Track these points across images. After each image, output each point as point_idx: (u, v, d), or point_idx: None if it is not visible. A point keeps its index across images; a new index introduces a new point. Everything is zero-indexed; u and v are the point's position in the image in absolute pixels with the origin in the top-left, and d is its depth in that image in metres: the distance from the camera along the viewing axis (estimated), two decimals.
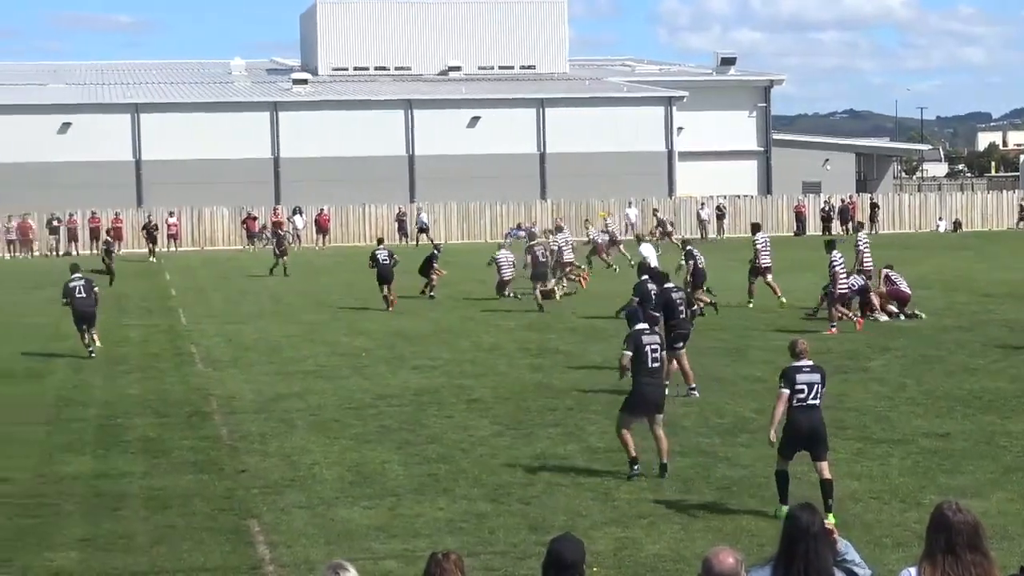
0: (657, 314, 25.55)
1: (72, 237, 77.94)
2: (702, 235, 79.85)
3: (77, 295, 33.49)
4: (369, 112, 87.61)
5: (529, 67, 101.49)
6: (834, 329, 34.89)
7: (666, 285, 27.30)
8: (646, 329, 20.05)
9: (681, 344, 26.02)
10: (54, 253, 76.85)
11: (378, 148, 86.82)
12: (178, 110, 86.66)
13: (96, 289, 34.31)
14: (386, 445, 21.94)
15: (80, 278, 33.97)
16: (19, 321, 42.00)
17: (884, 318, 37.26)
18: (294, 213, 79.85)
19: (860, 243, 40.31)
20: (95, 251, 75.87)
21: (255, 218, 78.89)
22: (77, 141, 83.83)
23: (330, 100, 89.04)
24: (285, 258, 56.71)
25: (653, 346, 19.66)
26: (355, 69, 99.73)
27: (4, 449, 22.46)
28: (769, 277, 41.20)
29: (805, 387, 17.17)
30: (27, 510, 18.39)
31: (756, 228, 43.54)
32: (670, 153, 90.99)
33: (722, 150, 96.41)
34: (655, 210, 78.11)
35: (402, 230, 79.84)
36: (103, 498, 19.00)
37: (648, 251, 42.73)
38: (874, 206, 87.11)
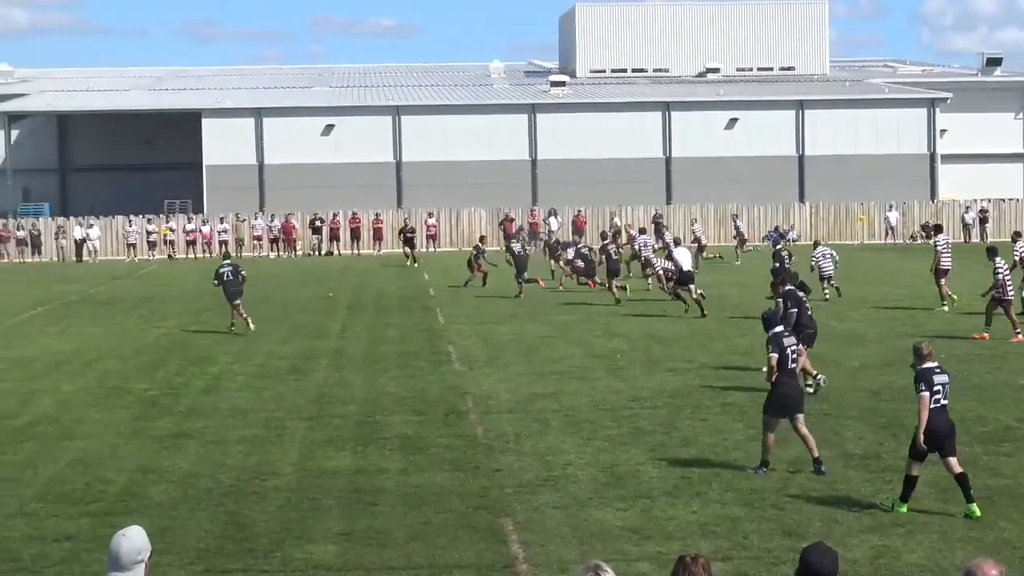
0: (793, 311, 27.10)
1: (333, 237, 79.65)
2: (965, 239, 78.05)
3: (226, 279, 38.88)
4: (626, 114, 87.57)
5: (788, 68, 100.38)
6: (1020, 336, 34.31)
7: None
8: (785, 332, 20.78)
9: (811, 344, 27.48)
10: (316, 252, 78.63)
11: (635, 150, 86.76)
12: (438, 112, 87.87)
13: (243, 273, 39.67)
14: (640, 447, 21.93)
15: (229, 264, 39.66)
16: (284, 319, 43.08)
17: None
18: (550, 215, 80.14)
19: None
20: (355, 251, 77.56)
21: (512, 219, 79.47)
22: (340, 143, 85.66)
23: (588, 102, 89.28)
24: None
25: (793, 348, 20.42)
26: (613, 71, 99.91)
27: (272, 443, 23.07)
28: (943, 280, 41.13)
29: (940, 388, 17.58)
30: (290, 504, 18.84)
31: (938, 230, 44.13)
32: (932, 156, 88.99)
33: (986, 153, 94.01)
34: (734, 215, 75.52)
35: (657, 232, 79.51)
36: (361, 494, 19.36)
37: (683, 255, 43.88)
38: None
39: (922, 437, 17.51)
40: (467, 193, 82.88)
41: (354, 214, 79.86)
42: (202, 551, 16.58)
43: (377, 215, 79.65)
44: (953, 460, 17.60)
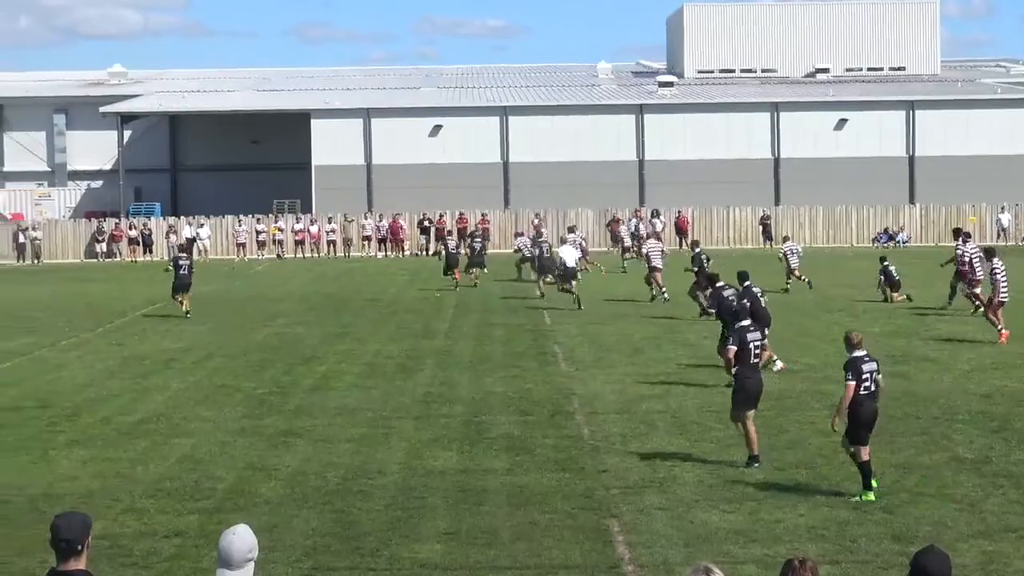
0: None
1: (440, 237, 79.88)
2: None
3: (180, 272, 44.34)
4: (734, 115, 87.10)
5: (899, 68, 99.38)
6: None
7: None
8: (750, 326, 21.58)
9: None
10: (423, 252, 78.91)
11: (742, 151, 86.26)
12: (545, 113, 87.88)
13: (193, 270, 45.59)
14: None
15: (186, 258, 46.12)
16: (392, 318, 43.34)
17: None
18: (653, 216, 79.87)
19: None
20: (464, 250, 77.72)
21: (619, 220, 79.31)
22: (447, 143, 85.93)
23: (695, 103, 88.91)
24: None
25: (756, 342, 21.28)
26: (720, 72, 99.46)
27: (380, 442, 23.20)
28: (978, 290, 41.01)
29: (868, 376, 18.57)
30: (396, 502, 18.92)
31: (956, 234, 44.27)
32: None
33: None
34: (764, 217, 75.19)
35: (766, 233, 79.19)
36: (467, 493, 19.41)
37: (568, 252, 47.38)
38: None
39: (836, 421, 18.73)
40: (574, 194, 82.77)
41: (461, 214, 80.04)
42: (309, 549, 16.70)
43: (484, 215, 79.76)
44: (864, 449, 18.55)
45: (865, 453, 18.59)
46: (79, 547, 8.96)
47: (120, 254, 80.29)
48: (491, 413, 25.81)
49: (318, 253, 79.73)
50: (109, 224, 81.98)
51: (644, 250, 49.44)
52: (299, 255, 79.23)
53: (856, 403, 18.49)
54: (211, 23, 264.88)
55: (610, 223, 78.83)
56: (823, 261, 62.73)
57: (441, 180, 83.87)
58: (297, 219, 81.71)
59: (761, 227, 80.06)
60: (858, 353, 18.72)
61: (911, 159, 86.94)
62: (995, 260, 36.66)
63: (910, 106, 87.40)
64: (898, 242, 68.86)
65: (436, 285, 54.76)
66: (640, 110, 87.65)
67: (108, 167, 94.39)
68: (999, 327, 35.08)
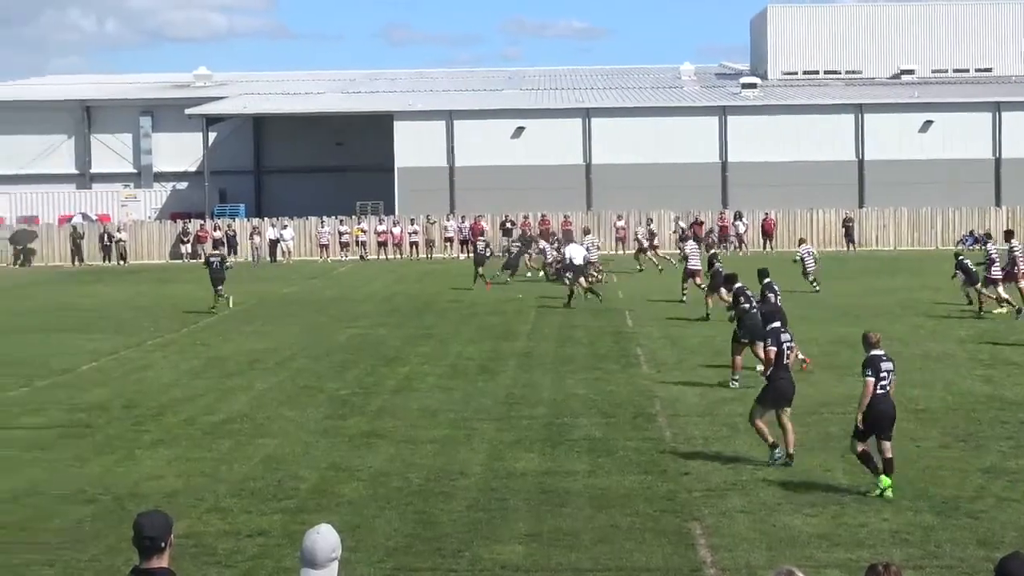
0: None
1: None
2: None
3: (212, 267, 47.70)
4: (818, 117, 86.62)
5: (985, 70, 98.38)
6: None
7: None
8: (781, 327, 21.85)
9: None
10: (507, 254, 78.85)
11: (826, 153, 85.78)
12: (628, 115, 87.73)
13: (229, 265, 49.44)
14: (829, 452, 21.68)
15: (218, 255, 50.65)
16: (473, 319, 43.42)
17: None
18: (735, 218, 79.78)
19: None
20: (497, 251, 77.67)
21: (701, 223, 79.13)
22: (530, 145, 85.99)
23: (779, 104, 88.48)
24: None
25: (788, 343, 21.54)
26: (804, 73, 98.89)
27: (462, 443, 23.25)
28: (1001, 288, 42.06)
29: (886, 375, 18.97)
30: (478, 504, 18.96)
31: (992, 236, 47.03)
32: None
33: None
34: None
35: (848, 236, 78.56)
36: (549, 495, 19.43)
37: (575, 250, 49.07)
38: None
39: (861, 418, 18.88)
40: (656, 195, 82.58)
41: (543, 216, 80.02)
42: (391, 549, 16.77)
43: (566, 217, 79.70)
44: (887, 444, 18.95)
45: (861, 447, 19.09)
46: (162, 544, 9.06)
47: (205, 255, 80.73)
48: (573, 415, 25.81)
49: (400, 254, 79.99)
50: (194, 225, 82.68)
51: (686, 251, 49.56)
52: (382, 256, 79.56)
53: (871, 401, 18.78)
54: (295, 26, 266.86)
55: (692, 225, 78.61)
56: (910, 264, 62.18)
57: (523, 182, 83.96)
58: (380, 221, 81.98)
59: (844, 229, 79.52)
60: (876, 352, 19.07)
61: (997, 161, 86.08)
62: (989, 244, 42.60)
63: (996, 107, 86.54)
64: (989, 250, 67.63)
65: (518, 288, 54.85)
66: (723, 112, 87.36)
67: (193, 169, 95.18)
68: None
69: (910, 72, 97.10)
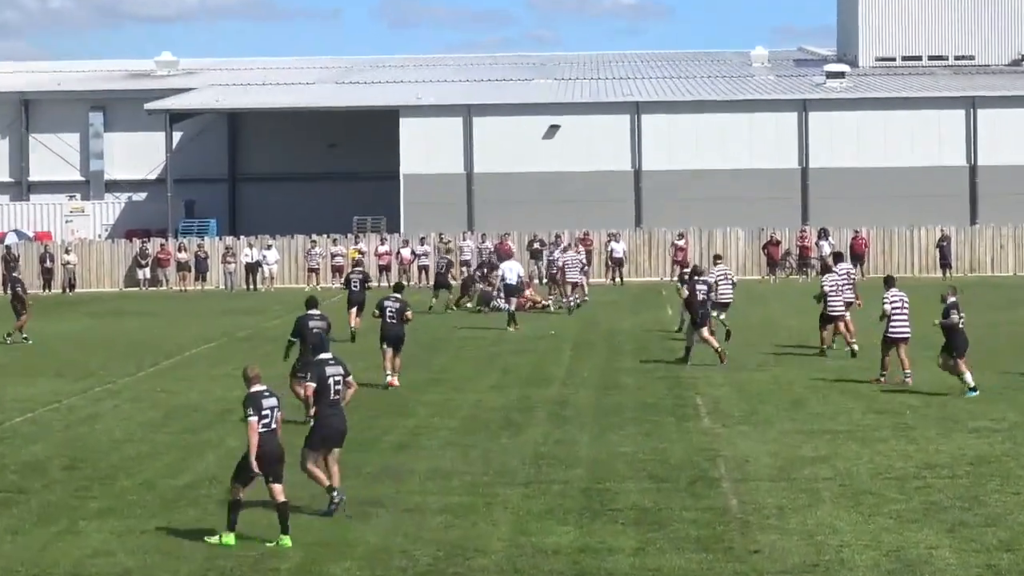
0: None
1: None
2: None
3: (388, 318, 38.79)
4: (921, 112, 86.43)
5: None
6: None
7: None
8: (330, 360, 23.43)
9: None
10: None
11: (931, 156, 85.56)
12: (686, 110, 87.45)
13: (408, 313, 39.26)
14: (934, 526, 21.60)
15: (396, 299, 39.40)
16: (495, 361, 43.38)
17: None
18: (820, 237, 78.91)
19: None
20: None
21: (778, 243, 78.87)
22: (566, 147, 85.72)
23: (872, 97, 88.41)
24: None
25: (336, 378, 23.20)
26: (904, 59, 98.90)
27: (479, 514, 23.20)
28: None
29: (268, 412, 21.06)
30: None
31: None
32: None
33: None
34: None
35: (943, 260, 77.77)
36: None
37: (510, 268, 55.16)
38: None
39: (254, 461, 20.77)
40: (721, 209, 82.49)
41: (585, 234, 79.60)
42: None
43: (612, 235, 79.43)
44: (278, 487, 21.01)
45: (241, 493, 21.21)
46: None
47: (167, 282, 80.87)
48: (617, 479, 25.76)
49: (408, 281, 79.83)
50: (154, 245, 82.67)
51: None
52: (384, 283, 79.29)
53: None
54: (282, 2, 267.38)
55: (767, 245, 78.46)
56: None
57: (558, 192, 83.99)
58: (382, 240, 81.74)
59: (937, 250, 78.81)
60: (256, 388, 21.11)
61: None
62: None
63: None
64: None
65: (550, 322, 54.81)
66: (804, 106, 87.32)
67: (153, 176, 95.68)
68: None
69: None
